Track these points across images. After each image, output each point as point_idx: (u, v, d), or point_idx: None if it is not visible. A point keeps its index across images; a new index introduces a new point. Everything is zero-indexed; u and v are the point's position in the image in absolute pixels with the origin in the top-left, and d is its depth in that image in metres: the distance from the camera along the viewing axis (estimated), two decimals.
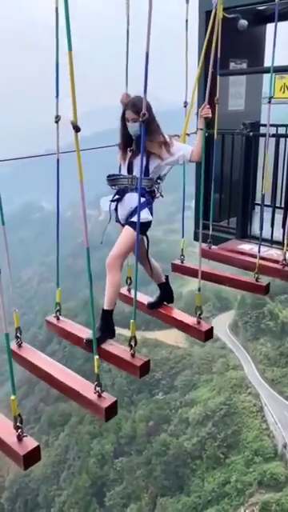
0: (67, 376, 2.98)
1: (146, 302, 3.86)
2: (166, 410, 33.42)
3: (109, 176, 3.37)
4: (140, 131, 3.06)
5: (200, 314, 3.53)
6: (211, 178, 4.24)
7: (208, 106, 3.11)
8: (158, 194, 3.39)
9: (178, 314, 3.76)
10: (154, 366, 35.82)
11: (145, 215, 3.22)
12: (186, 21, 4.01)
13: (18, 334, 3.28)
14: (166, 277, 3.82)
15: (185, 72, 3.86)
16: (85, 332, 3.34)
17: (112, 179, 3.36)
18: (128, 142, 3.31)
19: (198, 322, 3.50)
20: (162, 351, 38.03)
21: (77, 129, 2.38)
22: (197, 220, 5.00)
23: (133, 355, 3.06)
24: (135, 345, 3.05)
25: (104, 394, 2.71)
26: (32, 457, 2.41)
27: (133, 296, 3.75)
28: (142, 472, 30.00)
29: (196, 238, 4.90)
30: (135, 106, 3.07)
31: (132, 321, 2.96)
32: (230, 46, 3.41)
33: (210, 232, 3.68)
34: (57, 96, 2.99)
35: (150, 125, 3.04)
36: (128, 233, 3.25)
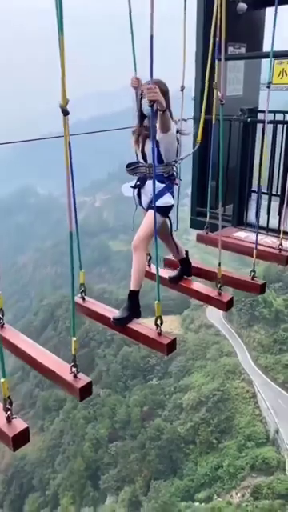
0: (46, 357, 3.04)
1: (166, 277, 4.00)
2: (160, 396, 33.77)
3: (128, 165, 3.47)
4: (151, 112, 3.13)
5: (221, 286, 3.68)
6: (208, 165, 4.20)
7: (149, 87, 2.71)
8: (177, 177, 3.49)
9: (198, 286, 3.93)
10: (148, 352, 36.10)
11: (166, 200, 3.35)
12: (185, 3, 3.91)
13: (1, 315, 3.31)
14: (186, 252, 3.99)
15: (182, 56, 3.77)
16: (111, 312, 3.46)
17: (131, 168, 3.46)
18: (141, 128, 3.37)
19: (219, 294, 3.66)
20: None
21: (65, 112, 2.36)
22: (193, 207, 4.98)
23: (159, 334, 3.16)
24: (161, 324, 3.16)
25: (80, 375, 2.78)
26: (21, 438, 2.44)
27: (154, 271, 3.82)
28: (136, 456, 30.42)
29: (193, 225, 4.88)
30: (160, 85, 3.05)
31: (156, 302, 3.04)
32: (229, 30, 3.33)
33: (207, 219, 3.66)
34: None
35: (167, 107, 3.09)
36: (151, 216, 3.30)
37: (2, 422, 2.43)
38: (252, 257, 3.75)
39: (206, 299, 3.79)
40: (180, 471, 29.05)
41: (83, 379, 2.77)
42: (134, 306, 3.38)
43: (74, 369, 2.78)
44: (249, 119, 4.38)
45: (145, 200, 3.51)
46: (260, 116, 4.63)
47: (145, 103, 3.15)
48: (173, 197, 3.46)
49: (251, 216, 4.64)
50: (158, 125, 3.14)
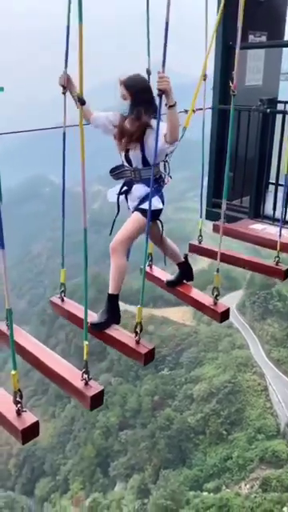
0: (55, 361, 2.88)
1: (164, 279, 3.86)
2: (171, 386, 33.92)
3: (112, 170, 3.26)
4: (128, 110, 3.00)
5: (217, 295, 3.50)
6: (225, 156, 4.15)
7: (162, 75, 2.55)
8: (166, 179, 3.26)
9: (195, 293, 3.75)
10: (160, 342, 36.20)
11: (154, 204, 3.11)
12: None
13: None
14: (185, 256, 3.83)
15: (204, 44, 3.66)
16: (90, 315, 3.19)
17: (116, 173, 3.25)
18: (122, 131, 3.13)
19: (215, 303, 3.48)
20: (168, 328, 38.38)
21: (82, 102, 2.34)
22: (209, 198, 4.93)
23: (138, 342, 3.00)
24: (140, 331, 2.99)
25: (91, 382, 2.64)
26: (30, 432, 2.40)
27: (155, 273, 3.84)
28: (146, 445, 30.68)
29: (208, 217, 4.83)
30: (127, 82, 2.97)
31: (139, 306, 2.90)
32: (249, 18, 3.24)
33: (223, 210, 3.61)
34: (66, 67, 2.91)
35: (137, 105, 2.94)
36: (135, 218, 3.16)
37: (12, 415, 2.40)
38: (270, 249, 3.68)
39: (201, 307, 3.60)
40: (189, 461, 29.24)
41: (95, 387, 2.63)
42: (113, 310, 3.21)
43: (85, 375, 2.63)
44: (268, 110, 4.29)
45: (132, 205, 3.27)
46: (280, 106, 4.55)
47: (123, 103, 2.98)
48: (162, 201, 3.23)
49: (268, 208, 4.58)
50: (164, 127, 2.84)
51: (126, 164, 3.21)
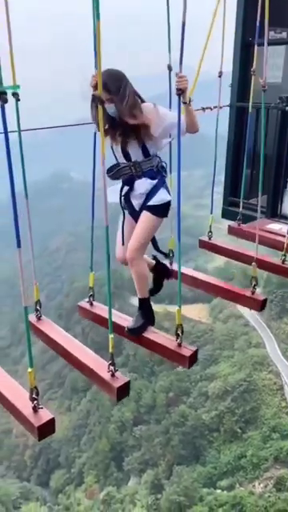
0: (83, 352, 2.94)
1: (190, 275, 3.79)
2: (186, 383, 33.91)
3: (109, 170, 2.99)
4: (116, 111, 2.77)
5: (255, 285, 3.52)
6: (243, 154, 4.12)
7: (181, 75, 2.52)
8: (167, 166, 3.09)
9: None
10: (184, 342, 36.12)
11: (162, 196, 2.95)
12: None
13: (38, 307, 3.24)
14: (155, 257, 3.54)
15: (221, 40, 3.63)
16: (124, 320, 3.22)
17: (114, 172, 2.99)
18: (113, 126, 2.91)
19: (253, 293, 3.51)
20: (184, 325, 38.24)
21: (101, 101, 2.34)
22: (226, 197, 4.91)
23: (180, 345, 2.96)
24: (182, 333, 2.92)
25: (117, 374, 2.67)
26: (46, 429, 2.42)
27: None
28: (160, 440, 30.77)
29: (224, 215, 4.81)
30: (106, 86, 2.68)
31: (177, 308, 2.84)
32: (270, 13, 3.20)
33: (240, 210, 3.58)
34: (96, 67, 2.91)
35: (125, 104, 2.74)
36: (145, 220, 2.95)
37: (29, 412, 2.43)
38: (281, 251, 3.66)
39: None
40: (203, 458, 29.23)
41: (121, 379, 2.67)
42: (147, 313, 3.16)
43: (111, 367, 2.67)
44: (287, 107, 4.26)
45: (137, 204, 3.00)
46: None
47: (108, 107, 2.73)
48: (168, 192, 3.00)
49: (286, 207, 4.54)
50: (183, 121, 2.73)
51: (123, 160, 2.97)
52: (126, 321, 3.20)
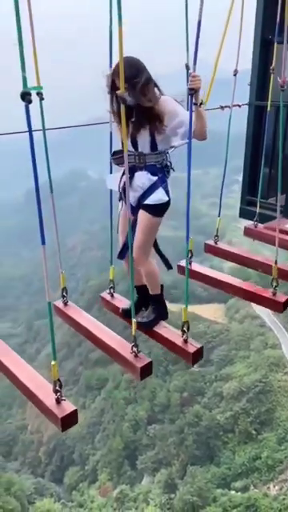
0: (108, 335, 3.12)
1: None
2: (200, 383, 33.78)
3: (113, 153, 2.96)
4: (133, 100, 2.70)
5: (276, 286, 3.46)
6: (261, 153, 4.07)
7: (194, 75, 2.48)
8: (171, 166, 3.01)
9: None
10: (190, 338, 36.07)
11: (159, 196, 2.89)
12: None
13: (64, 294, 3.46)
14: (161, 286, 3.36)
15: (238, 37, 3.57)
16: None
17: (118, 157, 2.90)
18: (127, 114, 2.81)
19: (274, 294, 3.46)
20: (199, 325, 38.13)
21: (123, 100, 2.34)
22: (243, 196, 4.86)
23: (185, 341, 3.02)
24: (188, 330, 2.97)
25: (140, 355, 2.83)
26: (69, 420, 2.52)
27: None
28: (174, 440, 30.72)
29: (241, 215, 4.76)
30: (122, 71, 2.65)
31: (183, 307, 2.89)
32: None
33: (257, 210, 3.53)
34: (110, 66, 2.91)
35: (139, 92, 2.69)
36: (143, 221, 2.95)
37: (52, 403, 2.52)
38: None
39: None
40: (217, 459, 29.08)
41: (143, 359, 2.83)
42: (159, 308, 3.23)
43: (134, 348, 2.83)
44: None
45: (133, 196, 2.94)
46: None
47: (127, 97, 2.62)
48: (167, 192, 2.94)
49: None
50: (192, 125, 2.62)
51: (130, 148, 2.90)
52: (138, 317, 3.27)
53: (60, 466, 35.62)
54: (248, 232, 4.24)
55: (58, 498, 31.61)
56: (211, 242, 4.23)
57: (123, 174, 2.91)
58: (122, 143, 2.83)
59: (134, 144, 2.90)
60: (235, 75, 3.55)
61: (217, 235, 4.18)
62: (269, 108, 3.70)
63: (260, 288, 3.69)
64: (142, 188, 2.92)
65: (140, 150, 2.89)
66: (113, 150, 2.99)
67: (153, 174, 2.90)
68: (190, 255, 3.76)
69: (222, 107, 3.46)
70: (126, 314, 3.32)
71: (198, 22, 2.20)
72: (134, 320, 2.77)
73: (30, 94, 1.90)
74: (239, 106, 3.57)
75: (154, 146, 2.86)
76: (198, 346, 3.01)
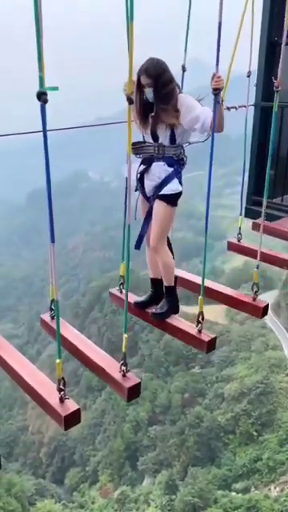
0: (95, 352, 2.99)
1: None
2: (201, 384, 33.76)
3: (133, 144, 3.05)
4: (153, 96, 2.91)
5: (256, 292, 3.49)
6: (267, 153, 4.09)
7: (219, 76, 2.62)
8: (186, 160, 3.15)
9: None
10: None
11: (175, 186, 3.05)
12: None
13: (52, 307, 3.25)
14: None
15: (249, 39, 3.60)
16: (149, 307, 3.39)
17: (138, 147, 3.08)
18: (148, 109, 3.03)
19: (254, 299, 3.46)
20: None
21: (130, 101, 2.38)
22: (249, 196, 4.88)
23: (200, 331, 3.09)
24: (203, 320, 3.06)
25: (129, 374, 2.69)
26: (72, 418, 2.51)
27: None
28: (175, 441, 30.70)
29: (247, 215, 4.78)
30: (148, 71, 2.88)
31: (200, 297, 2.99)
32: None
33: (264, 209, 3.55)
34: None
35: (161, 89, 2.89)
36: (160, 210, 3.07)
37: (55, 402, 2.51)
38: None
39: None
40: (218, 460, 29.06)
41: (132, 379, 2.68)
42: (172, 300, 3.30)
43: (123, 367, 2.70)
44: None
45: (149, 185, 3.10)
46: None
47: (147, 91, 2.90)
48: (180, 183, 3.10)
49: None
50: (210, 119, 2.82)
51: (150, 140, 3.06)
52: (150, 307, 3.36)
53: (61, 467, 35.63)
54: (256, 226, 4.25)
55: (59, 498, 31.60)
56: (234, 240, 4.26)
57: (140, 164, 3.10)
58: (143, 136, 3.07)
59: (155, 137, 3.04)
60: (248, 76, 3.60)
61: (239, 233, 4.23)
62: (275, 109, 3.71)
63: (240, 293, 3.72)
64: (159, 178, 3.05)
65: (160, 141, 3.04)
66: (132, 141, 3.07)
67: (169, 165, 3.04)
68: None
69: (228, 108, 3.49)
70: (138, 306, 3.44)
71: (219, 23, 2.23)
72: (125, 335, 2.66)
73: (46, 94, 1.93)
74: (246, 106, 3.59)
75: (173, 139, 3.02)
76: (212, 335, 3.10)
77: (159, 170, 3.05)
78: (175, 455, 30.37)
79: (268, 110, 3.83)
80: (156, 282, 3.44)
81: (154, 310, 3.27)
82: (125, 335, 2.66)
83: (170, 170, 3.04)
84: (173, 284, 3.28)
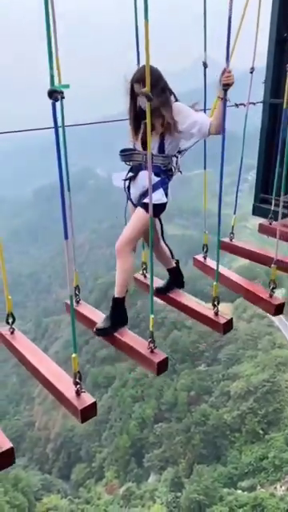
0: (124, 334, 3.14)
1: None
2: (207, 382, 33.74)
3: (122, 151, 3.10)
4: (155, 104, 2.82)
5: (273, 288, 3.44)
6: (275, 150, 4.05)
7: (229, 71, 2.61)
8: (175, 171, 3.12)
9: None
10: (198, 337, 36.04)
11: (158, 196, 2.97)
12: None
13: (77, 292, 3.57)
14: (177, 262, 3.64)
15: (254, 34, 3.58)
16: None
17: (126, 154, 3.08)
18: (140, 117, 2.99)
19: (216, 314, 3.34)
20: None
21: (149, 98, 2.38)
22: (257, 194, 4.84)
23: (216, 314, 3.23)
24: (218, 303, 3.20)
25: (156, 351, 2.91)
26: (89, 411, 2.56)
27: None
28: (181, 439, 30.73)
29: (255, 213, 4.73)
30: (141, 79, 2.77)
31: (215, 283, 3.09)
32: None
33: (272, 207, 3.52)
34: (138, 63, 3.06)
35: (157, 98, 2.78)
36: (138, 216, 3.03)
37: (72, 395, 2.57)
38: None
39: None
40: (224, 458, 29.04)
41: (160, 354, 2.91)
42: (118, 314, 3.12)
43: (151, 344, 2.90)
44: None
45: (134, 193, 3.12)
46: None
47: (141, 100, 2.84)
48: (166, 194, 3.05)
49: None
50: (209, 121, 2.85)
51: (139, 148, 3.04)
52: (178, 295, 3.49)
53: (67, 463, 35.81)
54: (263, 229, 4.22)
55: (65, 494, 31.77)
56: (226, 240, 4.25)
57: (128, 171, 3.10)
58: (140, 142, 3.03)
59: (144, 145, 2.97)
60: (251, 73, 3.56)
61: (232, 232, 4.24)
62: (284, 106, 3.68)
63: (260, 288, 3.68)
64: (143, 186, 3.01)
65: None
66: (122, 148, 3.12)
67: (156, 174, 2.98)
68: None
69: (236, 105, 3.46)
70: (158, 292, 3.61)
71: (229, 18, 2.22)
72: (151, 316, 2.77)
73: (57, 92, 1.95)
74: (254, 103, 3.55)
75: (162, 148, 2.97)
76: (228, 317, 3.20)
77: (145, 178, 2.98)
78: (181, 453, 30.39)
79: (277, 106, 3.79)
80: (170, 270, 3.63)
81: (97, 325, 3.13)
82: (151, 316, 2.79)
83: (157, 179, 2.99)
84: (122, 296, 3.13)
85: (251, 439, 28.83)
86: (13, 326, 3.23)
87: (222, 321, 3.18)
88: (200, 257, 4.06)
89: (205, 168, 3.66)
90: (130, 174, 3.11)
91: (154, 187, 2.92)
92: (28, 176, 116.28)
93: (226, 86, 2.63)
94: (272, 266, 3.41)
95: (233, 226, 4.21)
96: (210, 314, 3.20)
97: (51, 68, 1.85)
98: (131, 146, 3.12)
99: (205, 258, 4.04)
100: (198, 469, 28.33)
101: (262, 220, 4.34)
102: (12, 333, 3.22)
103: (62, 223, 3.02)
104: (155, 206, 2.88)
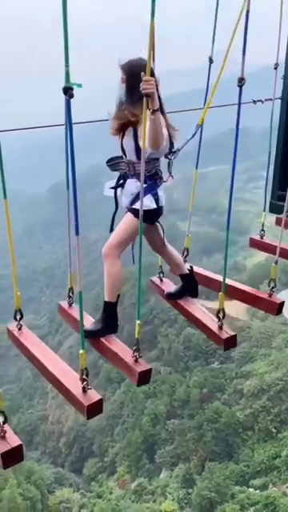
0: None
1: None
2: (220, 379, 33.63)
3: (108, 161, 3.10)
4: (125, 96, 2.81)
5: (273, 288, 3.38)
6: None
7: (147, 78, 2.24)
8: (166, 177, 3.03)
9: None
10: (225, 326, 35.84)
11: (147, 203, 2.87)
12: None
13: (71, 294, 3.47)
14: (190, 268, 3.52)
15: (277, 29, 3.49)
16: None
17: (112, 164, 3.08)
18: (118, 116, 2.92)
19: (220, 327, 3.28)
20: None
21: (147, 95, 2.37)
22: (274, 190, 4.78)
23: (220, 327, 3.09)
24: (223, 317, 3.04)
25: (140, 360, 2.76)
26: (95, 408, 2.55)
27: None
28: (193, 436, 30.71)
29: (272, 210, 4.67)
30: (129, 66, 2.76)
31: (221, 293, 2.97)
32: None
33: (287, 203, 3.48)
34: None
35: (133, 91, 2.68)
36: (126, 220, 3.00)
37: (78, 392, 2.56)
38: None
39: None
40: (236, 456, 28.96)
41: (143, 364, 2.74)
42: (109, 319, 3.07)
43: (135, 353, 2.75)
44: None
45: (124, 202, 3.06)
46: None
47: (120, 86, 2.83)
48: (156, 200, 2.96)
49: None
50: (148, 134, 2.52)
51: (122, 154, 3.02)
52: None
53: (79, 457, 36.12)
54: (279, 221, 4.16)
55: (77, 488, 32.07)
56: (256, 237, 4.20)
57: (117, 180, 3.08)
58: (120, 146, 2.99)
59: (124, 151, 2.98)
60: (275, 68, 3.51)
61: (263, 229, 4.19)
62: None
63: (256, 290, 3.67)
64: (131, 194, 2.96)
65: (128, 157, 2.96)
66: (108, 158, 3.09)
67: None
68: (186, 254, 3.79)
69: (254, 101, 3.41)
70: (169, 297, 3.55)
71: (247, 12, 2.19)
72: (138, 322, 2.68)
73: (72, 89, 1.97)
74: (271, 100, 3.50)
75: (138, 153, 2.84)
76: (232, 333, 3.07)
77: (132, 186, 2.97)
78: (193, 449, 30.39)
79: None
80: (182, 276, 3.47)
81: (86, 327, 3.04)
82: (137, 321, 2.69)
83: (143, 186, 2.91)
84: (114, 300, 3.08)
85: (264, 437, 28.69)
86: (21, 323, 3.20)
87: (225, 336, 3.05)
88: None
89: (196, 168, 3.62)
90: (121, 182, 3.09)
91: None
92: (42, 172, 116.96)
93: (146, 97, 2.28)
94: (273, 265, 3.34)
95: (263, 224, 4.14)
96: (215, 327, 3.09)
97: (67, 65, 1.84)
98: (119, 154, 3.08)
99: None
100: (209, 466, 28.31)
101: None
102: (20, 329, 3.20)
103: (73, 220, 3.04)
104: (146, 212, 2.77)
